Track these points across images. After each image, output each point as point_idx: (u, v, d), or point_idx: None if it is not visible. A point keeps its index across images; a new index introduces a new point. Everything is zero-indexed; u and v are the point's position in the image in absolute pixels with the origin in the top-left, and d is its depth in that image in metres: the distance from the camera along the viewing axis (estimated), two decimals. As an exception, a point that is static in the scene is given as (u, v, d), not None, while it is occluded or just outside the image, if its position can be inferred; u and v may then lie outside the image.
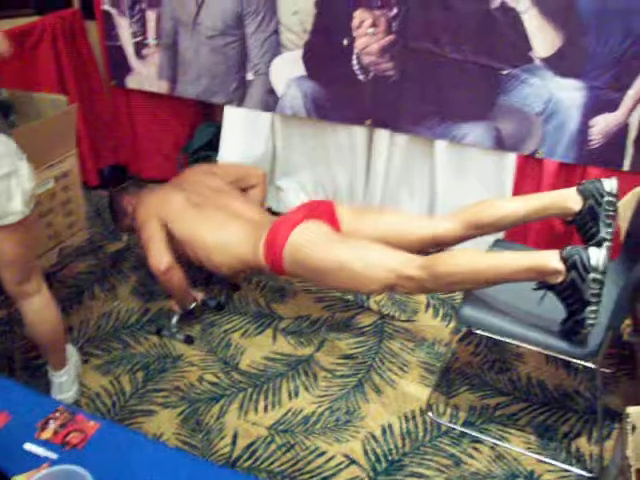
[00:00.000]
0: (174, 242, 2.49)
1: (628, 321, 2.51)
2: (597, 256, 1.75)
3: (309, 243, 2.22)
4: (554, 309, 1.89)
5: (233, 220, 2.46)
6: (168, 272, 2.43)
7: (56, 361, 2.24)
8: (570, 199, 2.09)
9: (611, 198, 2.02)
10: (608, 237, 2.02)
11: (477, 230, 2.21)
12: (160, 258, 2.41)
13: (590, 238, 2.06)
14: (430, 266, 2.01)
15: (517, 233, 2.71)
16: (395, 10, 2.57)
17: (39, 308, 2.10)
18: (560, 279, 1.81)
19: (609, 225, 2.03)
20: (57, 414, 1.43)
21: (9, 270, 2.00)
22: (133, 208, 2.62)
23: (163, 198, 2.55)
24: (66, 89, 3.17)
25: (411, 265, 2.05)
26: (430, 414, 2.25)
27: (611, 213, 2.02)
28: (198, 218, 2.46)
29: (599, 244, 2.02)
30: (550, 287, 1.86)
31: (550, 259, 1.82)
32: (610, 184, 2.04)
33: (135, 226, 2.56)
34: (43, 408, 1.42)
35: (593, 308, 1.78)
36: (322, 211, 2.37)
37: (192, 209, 2.49)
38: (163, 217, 2.47)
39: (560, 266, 1.80)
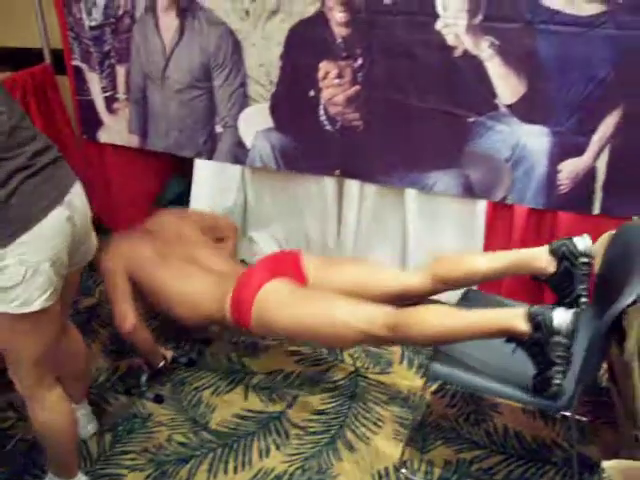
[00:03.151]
0: (141, 290, 2.45)
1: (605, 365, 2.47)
2: (561, 319, 1.72)
3: (275, 306, 2.20)
4: (527, 361, 1.84)
5: (199, 273, 2.42)
6: (132, 333, 2.40)
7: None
8: (542, 259, 2.06)
9: (586, 259, 1.99)
10: (584, 293, 2.00)
11: (446, 285, 2.19)
12: (124, 319, 2.38)
13: (565, 296, 2.03)
14: (396, 326, 1.98)
15: (491, 286, 2.68)
16: (360, 61, 2.57)
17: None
18: (526, 337, 1.77)
19: (584, 282, 2.01)
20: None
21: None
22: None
23: (130, 247, 2.50)
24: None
25: (378, 324, 2.01)
26: (404, 471, 2.18)
27: (587, 272, 2.00)
28: (163, 269, 2.42)
29: (575, 301, 2.01)
30: (518, 343, 1.82)
31: (515, 321, 1.79)
32: (584, 243, 2.00)
33: (101, 272, 2.51)
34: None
35: (559, 369, 1.75)
36: (288, 265, 2.35)
37: (158, 259, 2.45)
38: (127, 266, 2.43)
39: (525, 328, 1.76)
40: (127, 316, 2.39)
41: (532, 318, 1.76)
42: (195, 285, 2.38)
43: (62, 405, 1.90)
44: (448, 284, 2.19)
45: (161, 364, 2.54)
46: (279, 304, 2.19)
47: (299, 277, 2.32)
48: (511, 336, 1.82)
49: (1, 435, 2.33)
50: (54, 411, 1.88)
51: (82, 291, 3.13)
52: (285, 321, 2.17)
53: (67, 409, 1.92)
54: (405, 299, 2.20)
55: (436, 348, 2.06)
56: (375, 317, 2.03)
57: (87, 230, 1.84)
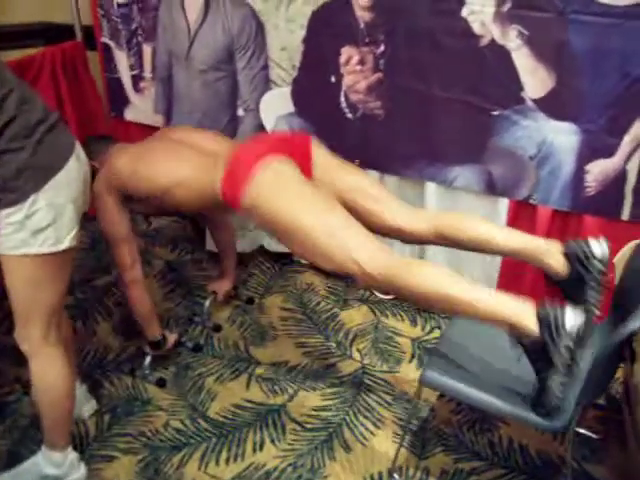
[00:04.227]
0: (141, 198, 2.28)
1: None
2: (574, 321, 1.57)
3: (274, 191, 1.90)
4: (529, 372, 1.72)
5: (187, 151, 2.18)
6: (132, 285, 2.36)
7: None
8: (553, 257, 1.87)
9: (601, 265, 1.81)
10: (596, 304, 1.83)
11: (446, 242, 2.03)
12: (127, 266, 2.33)
13: (576, 303, 1.88)
14: (396, 275, 1.77)
15: (512, 281, 2.57)
16: (382, 47, 2.47)
17: None
18: (531, 338, 1.63)
19: (597, 291, 1.83)
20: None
21: None
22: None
23: (108, 166, 2.31)
24: (65, 120, 3.16)
25: (378, 264, 1.78)
26: (396, 476, 2.11)
27: (600, 281, 1.82)
28: (145, 165, 2.21)
29: (586, 310, 1.85)
30: (521, 343, 1.68)
31: (525, 317, 1.63)
32: (601, 249, 1.81)
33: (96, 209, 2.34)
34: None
35: (560, 379, 1.61)
36: (296, 148, 2.06)
37: (137, 160, 2.24)
38: (115, 185, 2.27)
39: (534, 327, 1.61)
40: (130, 264, 2.33)
41: (542, 318, 1.61)
42: (182, 163, 2.14)
43: (63, 365, 1.93)
44: (449, 241, 2.02)
45: (157, 338, 2.48)
46: (279, 189, 1.91)
47: (305, 166, 2.05)
48: (514, 332, 1.66)
49: (4, 408, 2.36)
50: (56, 369, 1.91)
51: (101, 268, 3.15)
52: (280, 212, 1.88)
53: (68, 370, 1.94)
54: (400, 238, 2.07)
55: (434, 350, 1.97)
56: (379, 253, 1.81)
57: (88, 180, 1.93)
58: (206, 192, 2.06)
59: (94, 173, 2.37)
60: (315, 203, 1.90)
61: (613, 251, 1.92)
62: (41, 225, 1.72)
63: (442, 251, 2.68)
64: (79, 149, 1.85)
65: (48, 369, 1.91)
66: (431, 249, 2.70)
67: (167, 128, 2.61)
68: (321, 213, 1.87)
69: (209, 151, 2.17)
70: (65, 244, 1.79)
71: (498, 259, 2.58)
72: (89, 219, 3.38)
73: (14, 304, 1.84)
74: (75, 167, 1.80)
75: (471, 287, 1.75)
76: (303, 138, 2.14)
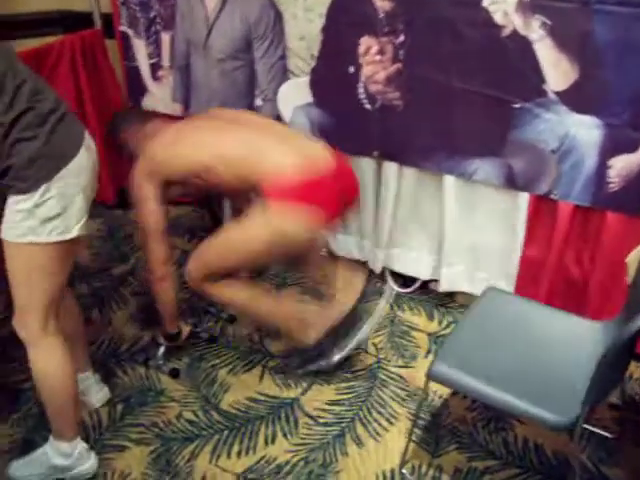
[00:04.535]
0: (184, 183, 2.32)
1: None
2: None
3: (283, 243, 2.10)
4: (542, 370, 1.72)
5: (237, 127, 2.22)
6: (162, 280, 2.32)
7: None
8: None
9: None
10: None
11: None
12: (157, 266, 2.30)
13: None
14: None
15: (530, 281, 2.52)
16: (402, 37, 2.42)
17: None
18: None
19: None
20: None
21: None
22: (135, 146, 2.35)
23: (146, 154, 2.25)
24: (84, 108, 3.17)
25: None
26: (404, 471, 2.08)
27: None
28: (180, 147, 2.21)
29: None
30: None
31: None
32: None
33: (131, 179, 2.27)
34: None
35: None
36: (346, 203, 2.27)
37: (185, 134, 2.24)
38: (155, 174, 2.21)
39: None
40: (160, 266, 2.29)
41: None
42: (229, 139, 2.18)
43: (63, 354, 1.92)
44: None
45: (175, 331, 2.47)
46: (273, 242, 2.09)
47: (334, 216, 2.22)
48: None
49: (20, 395, 2.37)
50: (56, 358, 1.91)
51: (118, 257, 3.15)
52: (237, 244, 2.19)
53: (67, 359, 1.94)
54: None
55: (444, 345, 1.96)
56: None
57: (97, 169, 1.93)
58: (247, 174, 2.11)
59: (122, 145, 2.42)
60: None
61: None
62: (50, 214, 1.72)
63: (461, 252, 2.66)
64: (89, 138, 1.85)
65: (48, 358, 1.91)
66: (450, 252, 2.68)
67: (218, 109, 2.61)
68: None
69: (265, 132, 2.21)
70: (73, 233, 1.79)
71: (516, 259, 2.53)
72: (108, 207, 3.44)
73: (15, 291, 1.84)
74: (85, 156, 1.80)
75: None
76: (354, 192, 2.34)
